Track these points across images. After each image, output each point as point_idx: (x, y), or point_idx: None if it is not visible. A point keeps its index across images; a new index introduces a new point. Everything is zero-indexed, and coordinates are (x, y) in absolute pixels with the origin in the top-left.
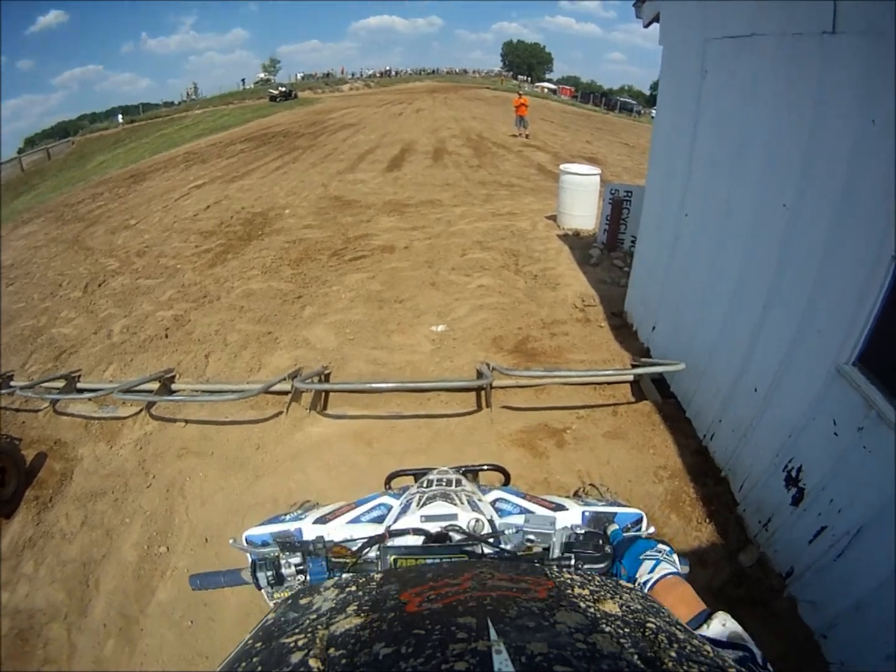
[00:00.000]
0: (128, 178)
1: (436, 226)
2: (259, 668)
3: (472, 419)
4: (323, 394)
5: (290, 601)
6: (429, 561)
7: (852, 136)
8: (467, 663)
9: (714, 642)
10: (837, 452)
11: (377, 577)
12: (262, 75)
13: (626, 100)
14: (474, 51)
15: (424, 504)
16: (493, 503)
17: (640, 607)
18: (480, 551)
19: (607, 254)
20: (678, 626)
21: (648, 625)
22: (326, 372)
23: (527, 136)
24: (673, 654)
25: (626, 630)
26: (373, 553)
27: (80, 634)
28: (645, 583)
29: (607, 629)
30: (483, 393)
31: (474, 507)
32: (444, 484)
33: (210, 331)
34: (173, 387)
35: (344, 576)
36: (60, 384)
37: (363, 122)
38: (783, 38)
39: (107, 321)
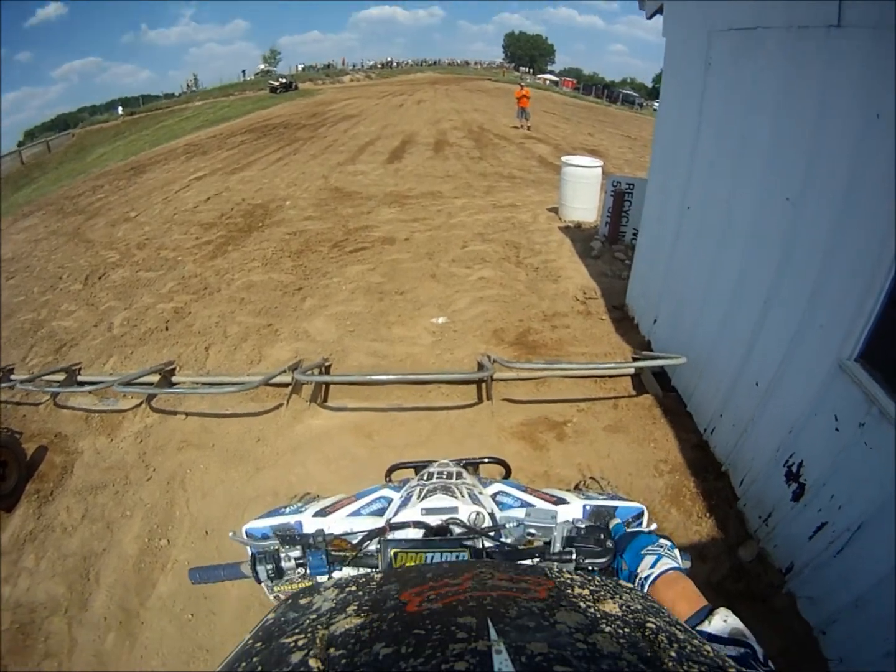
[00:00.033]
0: (128, 170)
1: (436, 217)
2: (259, 668)
3: (472, 411)
4: (323, 386)
5: (289, 601)
6: (429, 554)
7: (856, 128)
8: (467, 663)
9: (715, 638)
10: (838, 448)
11: (377, 576)
12: (262, 66)
13: (629, 92)
14: (476, 42)
15: (425, 497)
16: (493, 496)
17: (640, 607)
18: (481, 545)
19: (609, 246)
20: (678, 626)
21: (648, 625)
22: (327, 364)
23: (528, 128)
24: (673, 654)
25: (626, 630)
26: (373, 546)
27: (80, 628)
28: (646, 578)
29: (607, 629)
30: (484, 385)
31: (475, 500)
32: (444, 477)
33: (210, 323)
34: (174, 379)
35: (344, 575)
36: (61, 377)
37: (364, 114)
38: (788, 32)
39: (107, 314)
